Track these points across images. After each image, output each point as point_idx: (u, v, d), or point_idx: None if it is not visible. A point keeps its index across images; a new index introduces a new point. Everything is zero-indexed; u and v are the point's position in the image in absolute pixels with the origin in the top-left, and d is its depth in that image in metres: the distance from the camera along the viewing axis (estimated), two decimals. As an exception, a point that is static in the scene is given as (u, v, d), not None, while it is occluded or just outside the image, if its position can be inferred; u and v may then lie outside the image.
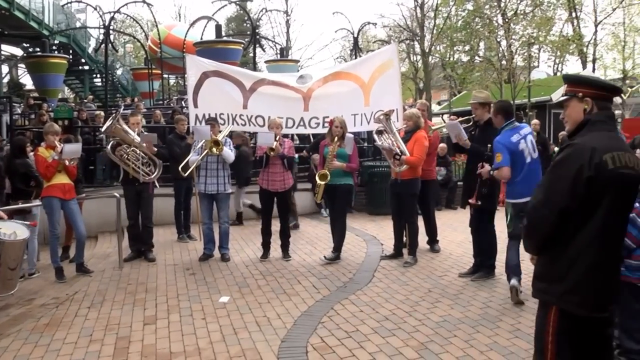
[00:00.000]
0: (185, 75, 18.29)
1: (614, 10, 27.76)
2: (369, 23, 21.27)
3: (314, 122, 8.46)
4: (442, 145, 11.39)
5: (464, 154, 6.63)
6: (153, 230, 7.65)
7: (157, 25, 20.57)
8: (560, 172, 2.42)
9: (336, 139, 6.99)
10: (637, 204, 3.81)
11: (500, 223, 5.87)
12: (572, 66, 32.09)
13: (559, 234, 2.43)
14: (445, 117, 26.74)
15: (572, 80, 2.61)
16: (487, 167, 5.58)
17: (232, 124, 8.38)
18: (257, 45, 18.93)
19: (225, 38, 19.26)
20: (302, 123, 8.46)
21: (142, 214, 7.43)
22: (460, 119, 6.94)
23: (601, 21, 28.15)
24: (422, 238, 7.52)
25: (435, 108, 33.37)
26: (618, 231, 2.50)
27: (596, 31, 28.25)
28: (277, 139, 7.04)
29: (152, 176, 7.25)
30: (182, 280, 6.38)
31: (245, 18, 29.70)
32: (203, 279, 6.41)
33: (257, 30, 20.12)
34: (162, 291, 5.94)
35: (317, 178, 6.97)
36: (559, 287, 2.44)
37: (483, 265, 6.23)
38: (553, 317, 2.46)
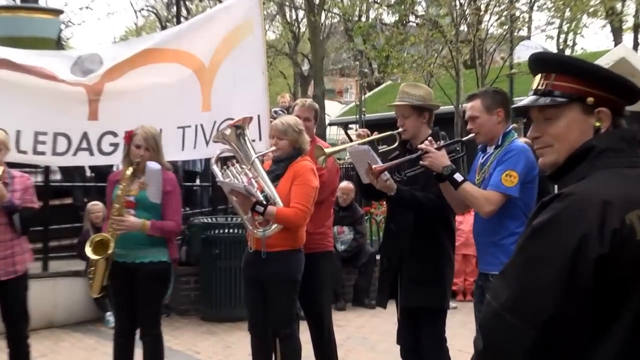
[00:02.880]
0: None
1: None
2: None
3: (107, 143, 7.73)
4: (346, 185, 10.75)
5: (382, 200, 6.83)
6: None
7: None
8: (544, 249, 2.24)
9: (131, 170, 6.04)
10: None
11: (461, 332, 5.64)
12: (592, 39, 32.63)
13: None
14: (352, 131, 26.29)
15: (571, 69, 2.47)
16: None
17: None
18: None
19: None
20: (85, 145, 7.76)
21: None
22: (375, 136, 6.17)
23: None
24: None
25: (332, 112, 33.29)
26: None
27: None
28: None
29: None
30: None
31: None
32: None
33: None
34: None
35: (87, 249, 6.02)
36: None
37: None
38: None
